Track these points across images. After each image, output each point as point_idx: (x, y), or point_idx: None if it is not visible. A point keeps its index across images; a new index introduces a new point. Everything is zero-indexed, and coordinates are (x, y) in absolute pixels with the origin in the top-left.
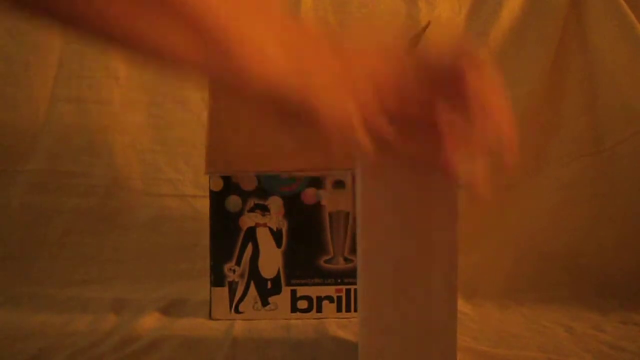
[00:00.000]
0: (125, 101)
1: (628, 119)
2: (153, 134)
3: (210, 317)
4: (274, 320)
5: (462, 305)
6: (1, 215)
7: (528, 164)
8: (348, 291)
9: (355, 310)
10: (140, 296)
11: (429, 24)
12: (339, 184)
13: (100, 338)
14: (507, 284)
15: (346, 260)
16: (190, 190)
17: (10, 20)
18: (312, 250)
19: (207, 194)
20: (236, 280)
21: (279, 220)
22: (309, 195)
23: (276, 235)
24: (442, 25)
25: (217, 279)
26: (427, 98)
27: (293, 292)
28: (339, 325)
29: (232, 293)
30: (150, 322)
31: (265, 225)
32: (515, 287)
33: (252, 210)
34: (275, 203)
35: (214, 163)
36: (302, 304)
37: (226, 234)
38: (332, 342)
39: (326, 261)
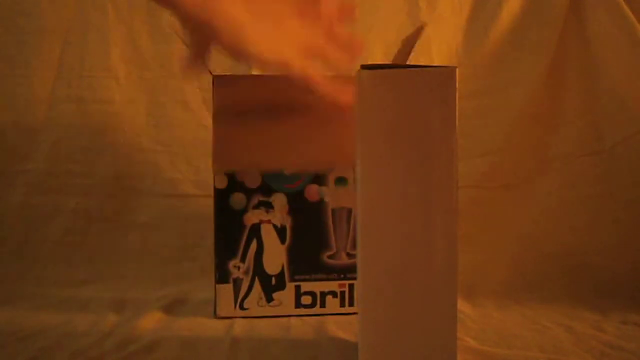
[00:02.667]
0: (125, 101)
1: (628, 119)
2: (153, 134)
3: (215, 315)
4: (275, 320)
5: (462, 305)
6: (1, 215)
7: (528, 164)
8: (351, 286)
9: None
10: (140, 296)
11: (423, 26)
12: (341, 181)
13: (100, 338)
14: (507, 283)
15: (349, 255)
16: (191, 190)
17: (10, 20)
18: (315, 246)
19: (208, 193)
20: (241, 277)
21: (283, 216)
22: (312, 192)
23: (280, 232)
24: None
25: (222, 276)
26: None
27: (297, 288)
28: (339, 326)
29: (236, 290)
30: (150, 322)
31: (269, 222)
32: (515, 287)
33: (256, 207)
34: (279, 200)
35: (220, 160)
36: (306, 300)
37: (230, 231)
38: (332, 342)
39: (329, 257)
